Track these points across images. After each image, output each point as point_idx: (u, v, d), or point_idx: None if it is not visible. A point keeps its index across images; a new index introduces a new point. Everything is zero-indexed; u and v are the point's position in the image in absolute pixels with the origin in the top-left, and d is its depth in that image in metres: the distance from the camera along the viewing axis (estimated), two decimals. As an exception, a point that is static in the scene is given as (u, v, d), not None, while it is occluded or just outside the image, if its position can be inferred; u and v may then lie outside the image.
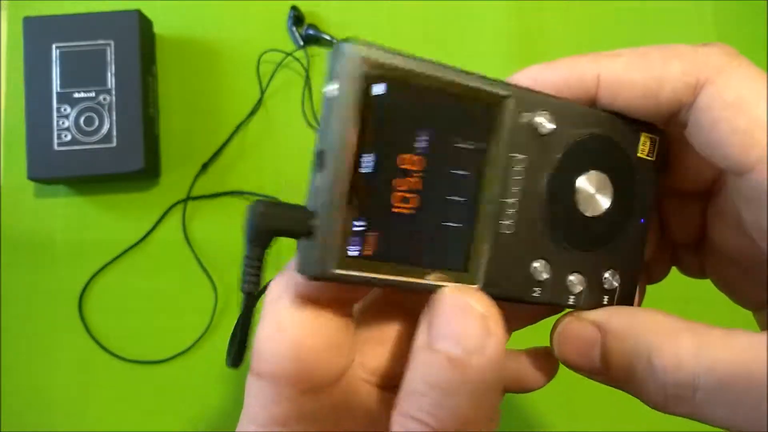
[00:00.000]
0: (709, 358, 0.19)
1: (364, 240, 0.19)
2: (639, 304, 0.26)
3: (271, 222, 0.18)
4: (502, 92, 0.20)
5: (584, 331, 0.22)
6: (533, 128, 0.21)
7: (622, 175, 0.22)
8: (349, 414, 0.22)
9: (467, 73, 0.19)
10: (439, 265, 0.20)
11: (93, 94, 0.51)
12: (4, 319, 0.52)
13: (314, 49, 0.55)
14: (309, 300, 0.20)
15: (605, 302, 0.23)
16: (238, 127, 0.54)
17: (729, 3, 0.55)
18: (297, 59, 0.55)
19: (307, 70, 0.55)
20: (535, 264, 0.21)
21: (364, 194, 0.18)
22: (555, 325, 0.23)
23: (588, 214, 0.22)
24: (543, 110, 0.21)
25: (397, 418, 0.19)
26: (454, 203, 0.20)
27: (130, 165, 0.50)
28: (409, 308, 0.24)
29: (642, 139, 0.22)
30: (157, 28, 0.55)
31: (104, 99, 0.51)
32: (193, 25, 0.55)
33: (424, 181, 0.19)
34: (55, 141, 0.50)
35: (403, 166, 0.19)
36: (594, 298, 0.23)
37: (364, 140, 0.18)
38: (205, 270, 0.53)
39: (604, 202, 0.22)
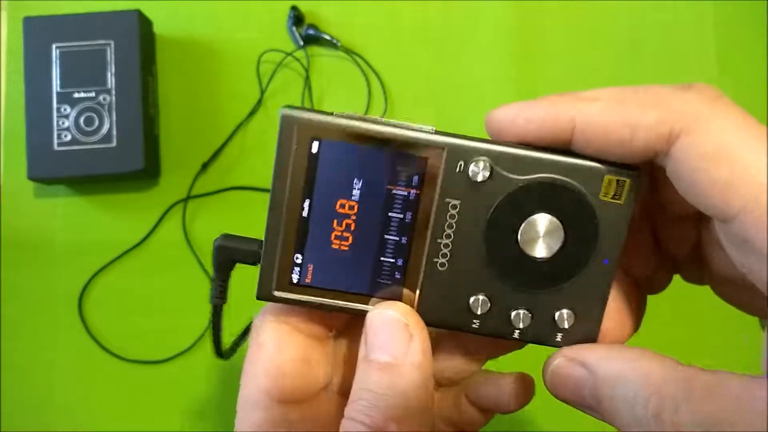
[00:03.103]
0: (697, 411, 0.19)
1: (305, 270, 0.23)
2: (641, 317, 0.26)
3: (228, 252, 0.24)
4: (435, 143, 0.22)
5: (575, 373, 0.22)
6: (468, 176, 0.22)
7: (577, 218, 0.22)
8: (323, 428, 0.24)
9: (401, 126, 0.22)
10: (377, 294, 0.23)
11: (93, 94, 0.51)
12: (4, 318, 0.52)
13: (314, 49, 0.55)
14: (287, 323, 0.24)
15: (558, 339, 0.23)
16: (238, 127, 0.54)
17: (729, 3, 0.55)
18: (297, 59, 0.55)
19: (307, 70, 0.55)
20: (474, 298, 0.23)
21: (303, 233, 0.22)
22: (547, 363, 0.23)
23: (535, 255, 0.23)
24: (479, 158, 0.22)
25: (343, 422, 0.21)
26: (389, 241, 0.23)
27: (130, 165, 0.50)
28: None
29: (606, 181, 0.22)
30: (157, 28, 0.55)
31: (104, 99, 0.51)
32: (193, 25, 0.55)
33: (360, 223, 0.22)
34: (55, 141, 0.50)
35: (340, 210, 0.22)
36: (545, 332, 0.23)
37: (304, 189, 0.22)
38: (204, 270, 0.53)
39: (553, 245, 0.22)
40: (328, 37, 0.54)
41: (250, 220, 0.52)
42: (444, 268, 0.23)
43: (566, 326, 0.23)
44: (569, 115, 0.22)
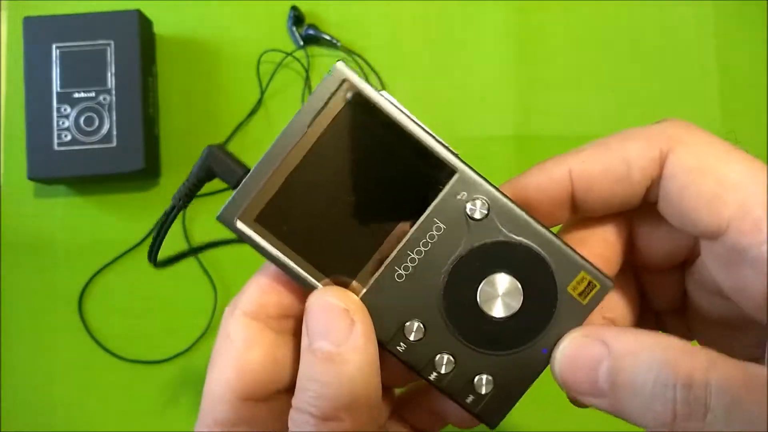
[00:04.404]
0: (722, 376, 0.18)
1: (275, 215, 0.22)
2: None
3: (213, 162, 0.23)
4: (452, 164, 0.22)
5: (591, 348, 0.21)
6: (463, 207, 0.22)
7: (539, 296, 0.22)
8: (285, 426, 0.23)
9: (431, 135, 0.22)
10: (328, 272, 0.22)
11: (93, 94, 0.51)
12: (4, 319, 0.52)
13: (314, 49, 0.55)
14: (258, 319, 0.23)
15: (468, 399, 0.23)
16: (238, 127, 0.54)
17: (729, 3, 0.55)
18: (297, 59, 0.55)
19: (307, 70, 0.55)
20: (410, 323, 0.22)
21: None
22: (557, 347, 0.22)
23: (486, 311, 0.22)
24: (482, 197, 0.22)
25: (291, 413, 0.21)
26: (365, 228, 0.22)
27: (130, 165, 0.50)
28: None
29: (579, 276, 0.22)
30: (157, 28, 0.55)
31: (104, 99, 0.51)
32: (193, 25, 0.55)
33: (353, 199, 0.22)
34: (55, 141, 0.50)
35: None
36: (459, 387, 0.23)
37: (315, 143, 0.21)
38: (204, 270, 0.53)
39: (506, 310, 0.22)
40: (328, 37, 0.54)
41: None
42: (400, 281, 0.22)
43: (482, 392, 0.23)
44: (564, 170, 0.22)
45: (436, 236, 0.22)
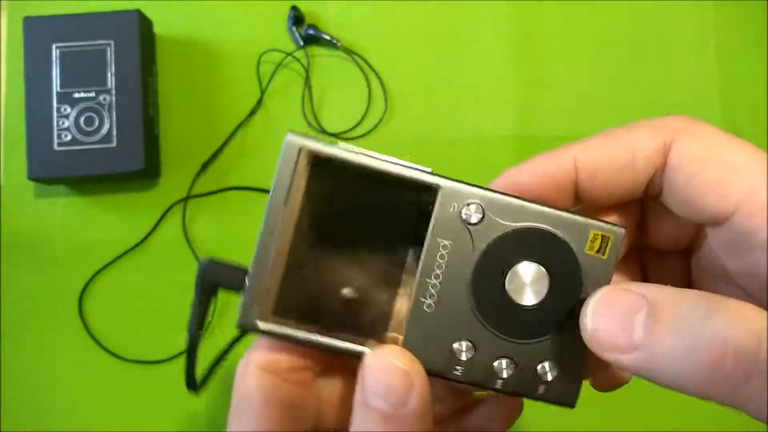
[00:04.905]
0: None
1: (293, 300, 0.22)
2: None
3: (211, 276, 0.23)
4: (431, 183, 0.22)
5: (627, 297, 0.20)
6: (460, 217, 0.22)
7: (562, 269, 0.22)
8: None
9: (399, 164, 0.22)
10: (363, 332, 0.22)
11: (93, 94, 0.51)
12: (5, 318, 0.52)
13: (314, 49, 0.55)
14: (273, 372, 0.23)
15: (540, 391, 0.23)
16: (238, 127, 0.54)
17: (729, 3, 0.55)
18: (297, 59, 0.55)
19: (307, 70, 0.55)
20: (457, 344, 0.22)
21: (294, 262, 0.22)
22: (586, 303, 0.21)
23: (520, 302, 0.22)
24: (472, 201, 0.22)
25: None
26: (379, 277, 0.22)
27: (130, 165, 0.50)
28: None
29: (591, 236, 0.22)
30: (157, 28, 0.55)
31: (104, 99, 0.51)
32: (193, 25, 0.55)
33: (356, 253, 0.22)
34: (55, 141, 0.50)
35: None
36: (527, 384, 0.23)
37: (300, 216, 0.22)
38: (205, 270, 0.53)
39: (538, 294, 0.22)
40: (328, 38, 0.54)
41: (250, 219, 0.52)
42: (431, 310, 0.22)
43: (549, 378, 0.23)
44: (570, 159, 0.23)
45: (446, 254, 0.22)
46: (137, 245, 0.53)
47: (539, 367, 0.23)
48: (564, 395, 0.23)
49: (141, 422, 0.51)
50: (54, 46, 0.51)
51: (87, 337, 0.52)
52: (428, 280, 0.22)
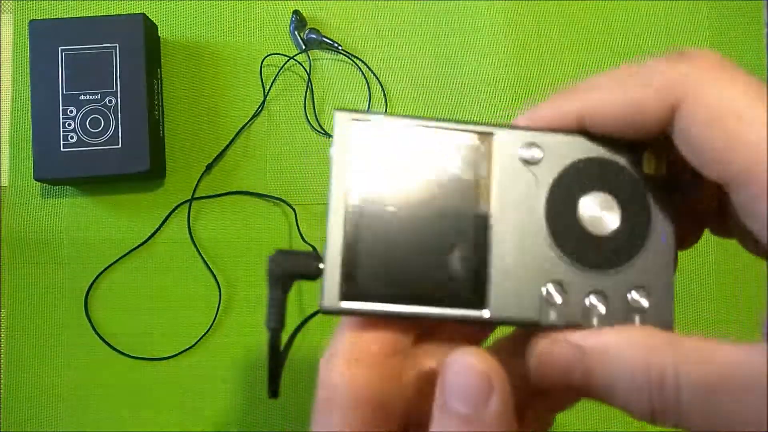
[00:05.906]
0: (691, 372, 0.19)
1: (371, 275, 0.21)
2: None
3: (284, 268, 0.22)
4: (484, 131, 0.22)
5: (564, 353, 0.21)
6: (521, 159, 0.22)
7: (628, 193, 0.23)
8: None
9: (454, 120, 0.22)
10: (447, 296, 0.22)
11: (99, 97, 0.52)
12: (11, 317, 0.53)
13: (316, 53, 0.56)
14: (359, 361, 0.22)
15: (637, 322, 0.22)
16: (241, 129, 0.55)
17: (725, 3, 0.57)
18: (299, 63, 0.56)
19: (309, 73, 0.56)
20: (546, 287, 0.22)
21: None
22: (531, 347, 0.22)
23: (597, 233, 0.22)
24: (530, 142, 0.22)
25: None
26: (454, 241, 0.22)
27: (135, 166, 0.51)
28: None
29: (647, 156, 0.23)
30: (162, 32, 0.56)
31: (110, 101, 0.52)
32: (197, 29, 0.56)
33: (427, 219, 0.22)
34: (62, 142, 0.51)
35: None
36: (622, 317, 0.22)
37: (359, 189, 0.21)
38: (209, 268, 0.54)
39: (612, 221, 0.23)
40: (329, 41, 0.55)
41: (252, 219, 0.54)
42: (511, 259, 0.22)
43: (645, 305, 0.22)
44: (575, 109, 0.22)
45: (515, 201, 0.22)
46: (143, 244, 0.54)
47: (630, 297, 0.22)
48: (662, 319, 0.22)
49: (146, 419, 0.52)
50: (60, 50, 0.52)
51: (93, 335, 0.53)
52: (503, 230, 0.22)
